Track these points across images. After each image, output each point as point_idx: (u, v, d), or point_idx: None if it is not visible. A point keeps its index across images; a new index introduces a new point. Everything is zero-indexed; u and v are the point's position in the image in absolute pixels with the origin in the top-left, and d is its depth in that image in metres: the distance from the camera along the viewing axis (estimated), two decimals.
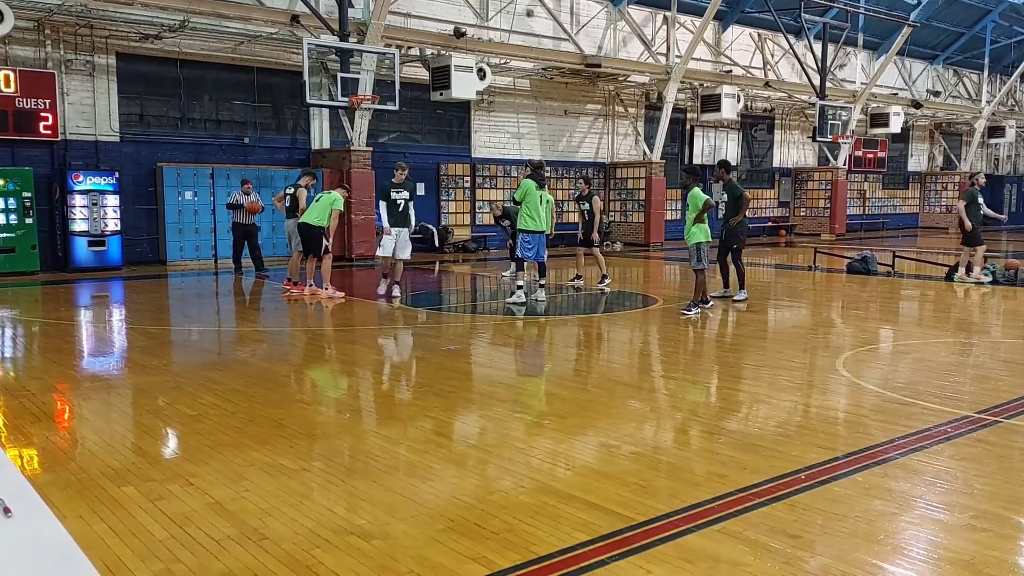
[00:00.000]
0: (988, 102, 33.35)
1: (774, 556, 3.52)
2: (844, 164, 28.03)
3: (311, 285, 12.20)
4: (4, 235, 14.44)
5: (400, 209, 11.74)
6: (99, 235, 15.27)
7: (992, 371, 7.49)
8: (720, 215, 11.87)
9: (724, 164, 11.95)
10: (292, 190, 12.86)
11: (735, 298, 11.61)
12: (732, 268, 11.67)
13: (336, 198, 11.73)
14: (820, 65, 24.99)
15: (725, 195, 11.73)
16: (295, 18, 15.82)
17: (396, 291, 11.88)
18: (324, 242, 11.89)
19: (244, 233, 15.09)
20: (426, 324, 10.51)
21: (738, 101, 23.77)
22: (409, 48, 18.24)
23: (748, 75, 25.43)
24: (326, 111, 18.18)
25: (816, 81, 24.90)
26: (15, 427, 5.46)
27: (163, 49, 16.14)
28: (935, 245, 24.56)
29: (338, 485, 4.39)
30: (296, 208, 12.55)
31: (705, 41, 23.91)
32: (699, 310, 10.43)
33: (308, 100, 15.68)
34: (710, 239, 10.56)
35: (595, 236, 13.04)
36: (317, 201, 11.96)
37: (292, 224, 12.59)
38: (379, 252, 11.79)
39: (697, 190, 10.65)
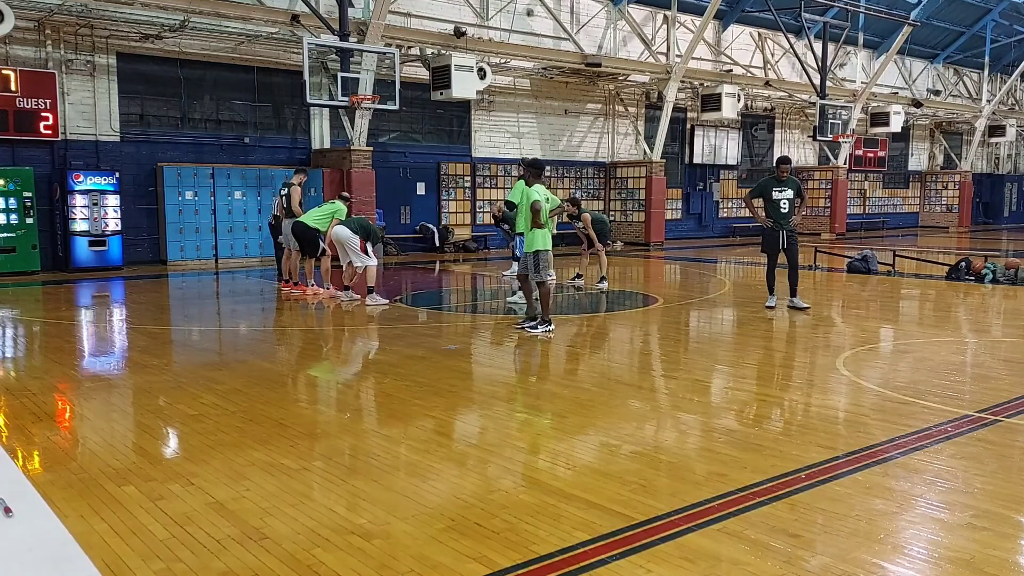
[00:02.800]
0: (988, 101, 33.35)
1: (775, 555, 3.52)
2: (844, 163, 28.04)
3: (312, 284, 12.22)
4: (5, 235, 14.45)
5: None
6: (100, 235, 15.29)
7: (992, 370, 7.48)
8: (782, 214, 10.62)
9: (787, 159, 10.89)
10: (285, 190, 12.78)
11: (768, 304, 10.87)
12: (771, 272, 10.89)
13: (339, 208, 11.76)
14: (820, 64, 24.99)
15: (788, 192, 10.61)
16: (295, 18, 15.82)
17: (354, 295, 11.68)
18: (321, 244, 11.90)
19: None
20: (426, 324, 10.51)
21: (738, 100, 23.78)
22: (409, 48, 18.24)
23: (748, 74, 25.43)
24: (326, 111, 18.18)
25: (816, 80, 24.89)
26: (16, 427, 5.46)
27: (163, 49, 16.15)
28: (936, 244, 24.55)
29: (339, 484, 4.40)
30: (291, 208, 12.47)
31: (705, 40, 23.92)
32: (550, 328, 8.97)
33: (308, 100, 15.69)
34: (549, 248, 8.98)
35: (598, 245, 13.10)
36: (320, 207, 12.00)
37: (288, 224, 12.57)
38: (367, 263, 11.50)
39: (522, 185, 9.21)
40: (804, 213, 10.94)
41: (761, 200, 10.83)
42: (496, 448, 5.14)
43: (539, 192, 8.97)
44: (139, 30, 15.64)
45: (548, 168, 22.07)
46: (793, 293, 10.82)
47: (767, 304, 10.91)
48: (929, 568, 3.47)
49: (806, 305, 10.77)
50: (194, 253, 16.48)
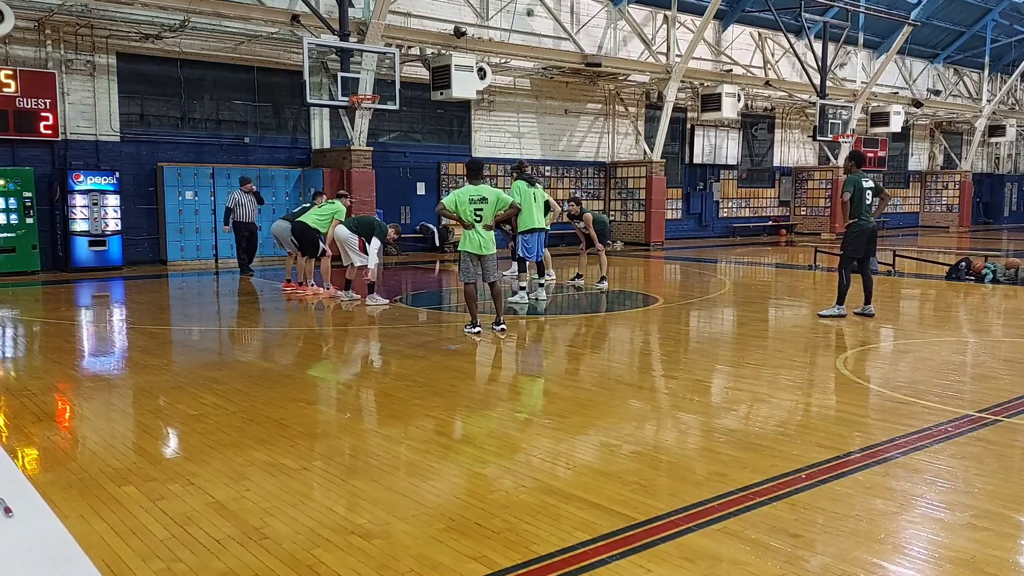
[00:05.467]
0: (989, 101, 33.35)
1: (775, 555, 3.52)
2: (844, 163, 28.00)
3: (312, 284, 12.22)
4: (5, 235, 14.44)
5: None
6: (100, 235, 15.28)
7: (993, 370, 7.48)
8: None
9: (853, 156, 10.22)
10: (309, 204, 12.67)
11: (820, 313, 10.20)
12: (862, 279, 10.15)
13: (340, 209, 11.78)
14: (820, 64, 24.99)
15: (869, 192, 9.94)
16: (295, 18, 15.82)
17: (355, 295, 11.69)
18: (321, 244, 11.90)
19: (248, 233, 15.14)
20: (426, 324, 10.51)
21: (738, 100, 23.77)
22: (409, 47, 18.24)
23: (748, 74, 25.43)
24: (326, 111, 18.18)
25: (816, 80, 24.89)
26: (16, 427, 5.46)
27: (163, 49, 16.15)
28: (936, 244, 24.55)
29: (339, 484, 4.40)
30: (299, 213, 12.36)
31: (705, 40, 23.91)
32: (477, 330, 8.88)
33: (308, 100, 15.68)
34: (469, 250, 8.79)
35: (598, 245, 13.10)
36: (320, 207, 12.00)
37: (278, 226, 12.58)
38: (364, 262, 11.47)
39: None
40: (847, 218, 9.99)
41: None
42: (496, 448, 5.14)
43: (465, 193, 8.75)
44: (139, 30, 15.63)
45: (548, 168, 22.14)
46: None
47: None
48: (930, 568, 3.47)
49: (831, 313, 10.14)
50: (194, 253, 16.48)
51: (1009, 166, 39.38)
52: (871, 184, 10.01)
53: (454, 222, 9.01)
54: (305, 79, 15.13)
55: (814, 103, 25.54)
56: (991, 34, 31.92)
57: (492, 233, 8.93)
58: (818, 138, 25.77)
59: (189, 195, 16.38)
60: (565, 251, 17.94)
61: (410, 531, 3.76)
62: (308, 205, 12.63)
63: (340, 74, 16.04)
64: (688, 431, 5.55)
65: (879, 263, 15.79)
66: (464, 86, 17.90)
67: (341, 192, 12.94)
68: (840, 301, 10.13)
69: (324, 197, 12.89)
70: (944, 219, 34.50)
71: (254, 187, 15.14)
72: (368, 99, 16.15)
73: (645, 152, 23.37)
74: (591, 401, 6.25)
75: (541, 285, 11.92)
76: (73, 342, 9.11)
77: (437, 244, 20.01)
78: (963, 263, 14.68)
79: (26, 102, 14.58)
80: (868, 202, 9.90)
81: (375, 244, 11.32)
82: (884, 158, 30.82)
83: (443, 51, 18.13)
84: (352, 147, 17.13)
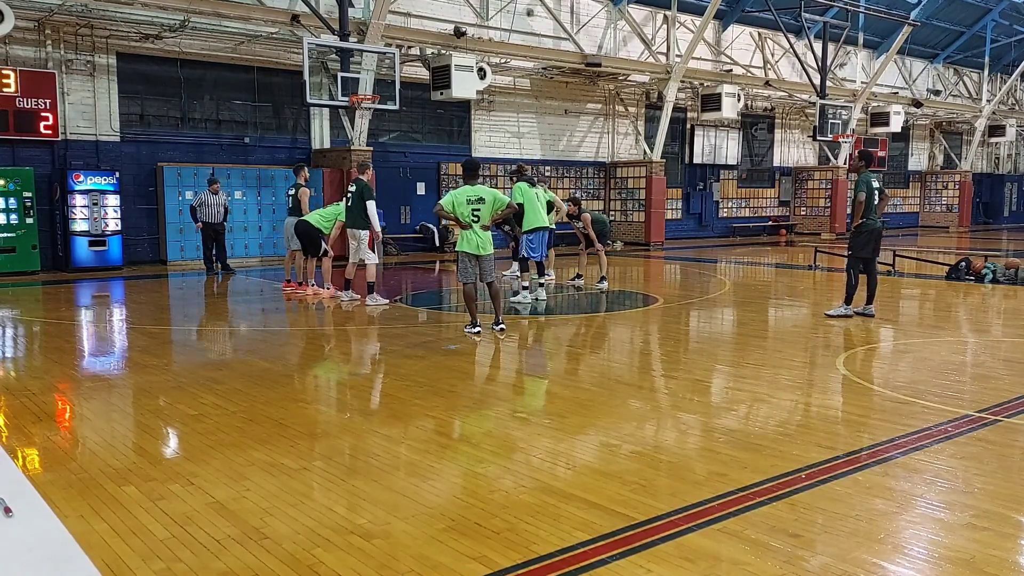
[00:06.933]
0: (988, 101, 33.34)
1: (775, 555, 3.52)
2: (844, 163, 28.04)
3: (313, 284, 12.22)
4: (5, 235, 14.45)
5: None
6: (100, 235, 15.29)
7: (992, 370, 7.48)
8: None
9: (863, 155, 10.05)
10: (294, 191, 12.74)
11: (827, 312, 10.31)
12: (867, 278, 10.18)
13: (343, 210, 11.74)
14: (820, 64, 24.99)
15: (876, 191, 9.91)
16: (295, 18, 15.82)
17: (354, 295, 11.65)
18: (323, 244, 11.90)
19: (214, 233, 15.21)
20: (426, 324, 10.51)
21: (738, 100, 23.78)
22: (409, 47, 18.24)
23: (748, 74, 25.43)
24: (326, 111, 18.18)
25: (816, 80, 24.90)
26: (16, 427, 5.46)
27: (163, 49, 16.15)
28: (936, 244, 24.54)
29: (339, 484, 4.40)
30: (298, 209, 12.43)
31: (705, 40, 23.92)
32: (477, 330, 8.88)
33: (308, 100, 15.69)
34: (467, 250, 8.76)
35: (598, 245, 13.11)
36: (325, 208, 12.01)
37: (291, 222, 12.56)
38: (371, 259, 11.44)
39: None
40: (855, 220, 10.01)
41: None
42: (496, 448, 5.14)
43: (463, 193, 8.69)
44: (139, 30, 15.64)
45: (548, 168, 22.12)
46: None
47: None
48: (929, 568, 3.47)
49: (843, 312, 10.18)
50: (194, 253, 16.46)
51: (1009, 166, 39.38)
52: (878, 184, 10.05)
53: (452, 222, 9.03)
54: (305, 79, 15.13)
55: (814, 103, 25.55)
56: (991, 34, 31.92)
57: (489, 233, 8.94)
58: (818, 138, 25.78)
59: (189, 195, 16.36)
60: (565, 251, 17.94)
61: (410, 531, 3.76)
62: (298, 183, 12.59)
63: (340, 74, 16.04)
64: (688, 431, 5.55)
65: (879, 263, 15.78)
66: (464, 86, 17.90)
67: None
68: (848, 301, 10.18)
69: (306, 169, 12.93)
70: (944, 219, 34.51)
71: (220, 189, 15.22)
72: (368, 99, 16.15)
73: (645, 152, 23.37)
74: (591, 401, 6.25)
75: (541, 285, 11.91)
76: (73, 342, 9.11)
77: (437, 244, 20.02)
78: (963, 263, 14.68)
79: (26, 102, 14.58)
80: (876, 202, 9.95)
81: (371, 206, 11.23)
82: (884, 158, 30.83)
83: (443, 51, 18.13)
84: (352, 147, 17.13)
